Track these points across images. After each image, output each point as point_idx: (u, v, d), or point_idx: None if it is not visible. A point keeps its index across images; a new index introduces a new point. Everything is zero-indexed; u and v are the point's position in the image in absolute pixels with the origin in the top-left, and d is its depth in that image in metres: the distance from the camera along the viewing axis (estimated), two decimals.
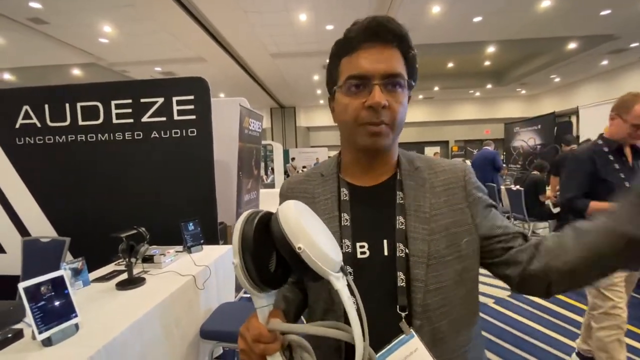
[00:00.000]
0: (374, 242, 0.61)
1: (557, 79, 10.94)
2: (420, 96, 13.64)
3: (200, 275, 1.89)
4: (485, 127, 14.65)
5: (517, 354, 2.19)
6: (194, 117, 2.65)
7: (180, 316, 1.66)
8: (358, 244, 0.61)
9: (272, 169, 11.18)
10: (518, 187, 4.73)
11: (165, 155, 2.68)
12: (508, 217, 5.14)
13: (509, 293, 3.12)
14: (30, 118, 2.75)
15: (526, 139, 8.69)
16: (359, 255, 0.60)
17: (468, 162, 9.30)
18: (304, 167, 10.47)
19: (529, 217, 4.55)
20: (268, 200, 5.29)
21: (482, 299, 2.99)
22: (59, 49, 6.57)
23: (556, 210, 4.44)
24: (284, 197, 0.72)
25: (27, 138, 2.77)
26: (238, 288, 2.87)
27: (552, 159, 4.98)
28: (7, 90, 2.96)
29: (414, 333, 0.55)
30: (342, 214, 0.63)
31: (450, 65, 9.57)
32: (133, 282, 1.68)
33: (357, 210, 0.64)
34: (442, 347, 0.58)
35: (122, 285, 1.65)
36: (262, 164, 11.24)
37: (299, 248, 0.42)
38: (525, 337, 2.38)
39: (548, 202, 4.51)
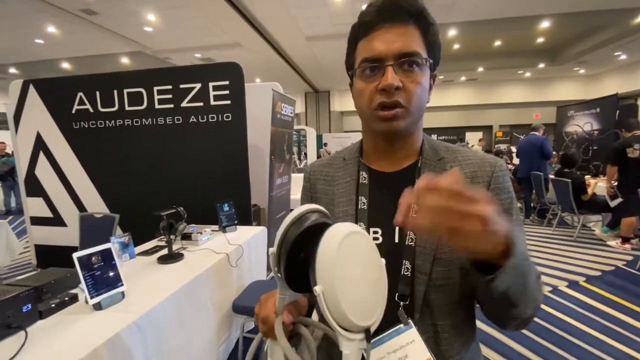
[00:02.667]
0: (387, 229, 0.60)
1: (623, 57, 9.71)
2: (463, 78, 12.83)
3: (233, 253, 1.98)
4: (534, 110, 13.48)
5: (555, 352, 2.08)
6: (229, 102, 2.72)
7: (215, 290, 1.77)
8: (372, 229, 0.61)
9: (305, 154, 11.25)
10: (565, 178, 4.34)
11: (203, 139, 2.80)
12: (554, 209, 4.79)
13: (549, 289, 2.94)
14: (84, 104, 2.99)
15: (582, 124, 7.89)
16: None
17: (513, 148, 8.71)
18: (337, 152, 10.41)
19: (579, 209, 4.19)
20: (300, 185, 5.37)
21: None
22: (109, 38, 7.00)
23: (614, 202, 4.03)
24: (307, 179, 0.74)
25: (82, 122, 3.03)
26: (269, 267, 2.98)
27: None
28: (65, 79, 3.23)
29: (412, 324, 0.54)
30: (360, 197, 0.63)
31: (497, 43, 8.85)
32: (173, 257, 1.81)
33: (375, 195, 0.63)
34: (445, 346, 0.57)
35: (163, 260, 1.79)
36: (296, 149, 11.34)
37: (315, 290, 0.37)
38: (566, 335, 2.25)
39: (605, 195, 4.10)
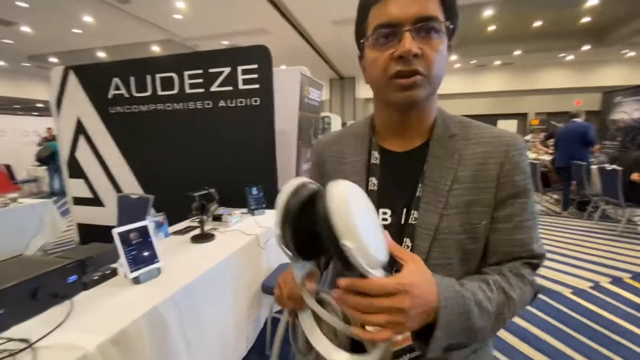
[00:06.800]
0: (396, 210, 0.59)
1: None
2: (497, 62, 12.14)
3: (262, 235, 2.00)
4: (575, 97, 12.56)
5: (594, 349, 1.96)
6: (257, 86, 2.71)
7: (245, 270, 1.80)
8: (381, 211, 0.59)
9: None
10: (614, 166, 4.03)
11: (232, 123, 2.82)
12: (596, 202, 4.48)
13: (590, 284, 2.77)
14: (120, 89, 3.09)
15: (630, 111, 7.30)
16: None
17: (541, 135, 8.09)
18: None
19: (627, 201, 3.89)
20: None
21: (557, 287, 2.72)
22: (141, 27, 7.19)
23: None
24: (317, 154, 0.71)
25: (117, 107, 3.14)
26: None
27: None
28: (101, 64, 3.36)
29: None
30: (370, 178, 0.62)
31: (537, 24, 8.25)
32: (205, 237, 1.85)
33: (385, 176, 0.61)
34: None
35: (195, 239, 1.84)
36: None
37: (344, 245, 0.39)
38: (607, 332, 2.12)
39: None
